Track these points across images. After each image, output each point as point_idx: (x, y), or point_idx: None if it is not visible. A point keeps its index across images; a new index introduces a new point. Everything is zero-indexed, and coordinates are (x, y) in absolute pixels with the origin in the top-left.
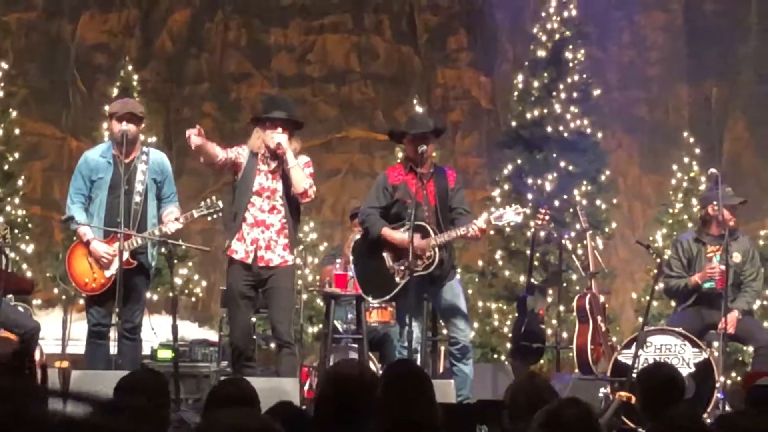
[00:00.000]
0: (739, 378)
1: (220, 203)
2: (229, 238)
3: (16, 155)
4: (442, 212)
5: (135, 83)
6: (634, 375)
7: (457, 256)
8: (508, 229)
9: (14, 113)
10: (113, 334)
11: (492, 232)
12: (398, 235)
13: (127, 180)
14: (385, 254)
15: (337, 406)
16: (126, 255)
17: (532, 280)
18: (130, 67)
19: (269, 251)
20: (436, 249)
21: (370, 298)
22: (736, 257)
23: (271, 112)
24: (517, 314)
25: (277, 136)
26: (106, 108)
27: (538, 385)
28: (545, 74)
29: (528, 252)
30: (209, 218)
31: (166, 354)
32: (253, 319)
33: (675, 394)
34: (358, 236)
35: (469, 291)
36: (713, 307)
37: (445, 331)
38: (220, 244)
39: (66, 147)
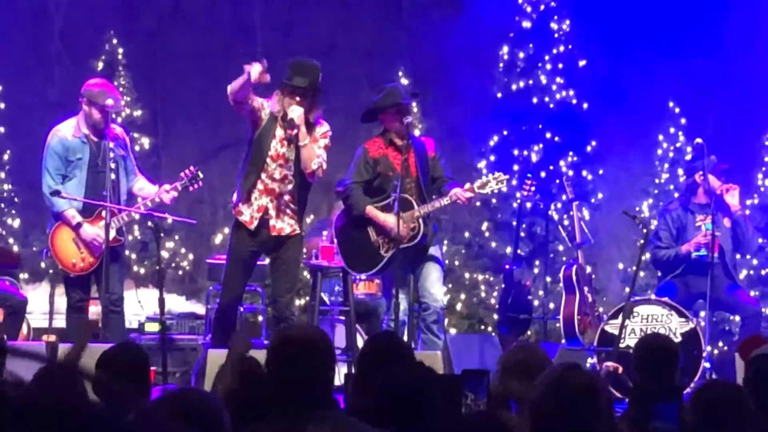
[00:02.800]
0: (726, 348)
1: (200, 173)
2: (238, 198)
3: (2, 129)
4: (425, 182)
5: (120, 57)
6: (621, 345)
7: (442, 228)
8: (494, 201)
9: None
10: (93, 308)
11: (478, 203)
12: (382, 216)
13: (102, 158)
14: (369, 228)
15: (282, 367)
16: (113, 233)
17: (519, 251)
18: (114, 41)
19: (280, 220)
20: (420, 220)
21: (355, 273)
22: (726, 223)
23: (292, 78)
24: (503, 285)
25: (294, 110)
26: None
27: (537, 353)
28: (530, 45)
29: (514, 223)
30: (191, 188)
31: (153, 327)
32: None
33: (671, 365)
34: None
35: (456, 263)
36: (700, 275)
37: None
38: (206, 218)
39: (52, 121)
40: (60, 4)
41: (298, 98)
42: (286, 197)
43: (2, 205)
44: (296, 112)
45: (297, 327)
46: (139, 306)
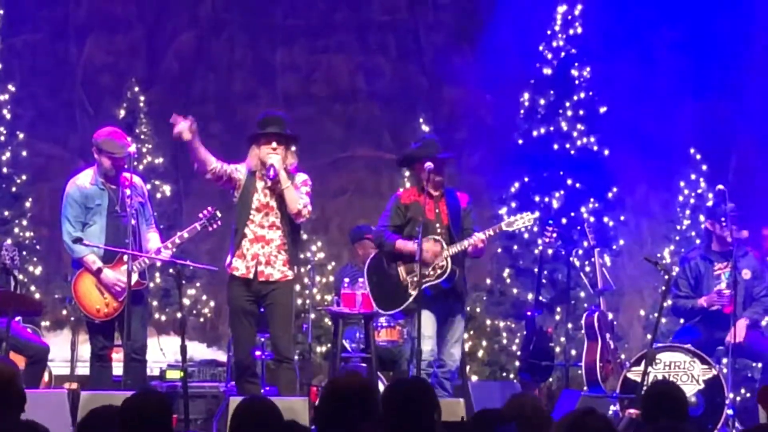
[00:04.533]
0: (748, 395)
1: (218, 212)
2: (231, 255)
3: (24, 177)
4: (455, 231)
5: (141, 104)
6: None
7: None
8: (515, 247)
9: (21, 135)
10: (115, 355)
11: (499, 250)
12: (411, 245)
13: (121, 204)
14: (399, 268)
15: (336, 413)
16: (136, 277)
17: (540, 297)
18: (136, 88)
19: (269, 266)
20: (448, 260)
21: (383, 311)
22: (746, 274)
23: (264, 128)
24: (525, 332)
25: (271, 158)
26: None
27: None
28: (551, 92)
29: (536, 270)
30: (210, 228)
31: (174, 374)
32: (262, 339)
33: (676, 411)
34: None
35: (477, 309)
36: (721, 325)
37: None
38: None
39: (73, 169)
40: (81, 52)
41: (274, 145)
42: (276, 244)
43: (24, 253)
44: (274, 158)
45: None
46: (161, 353)
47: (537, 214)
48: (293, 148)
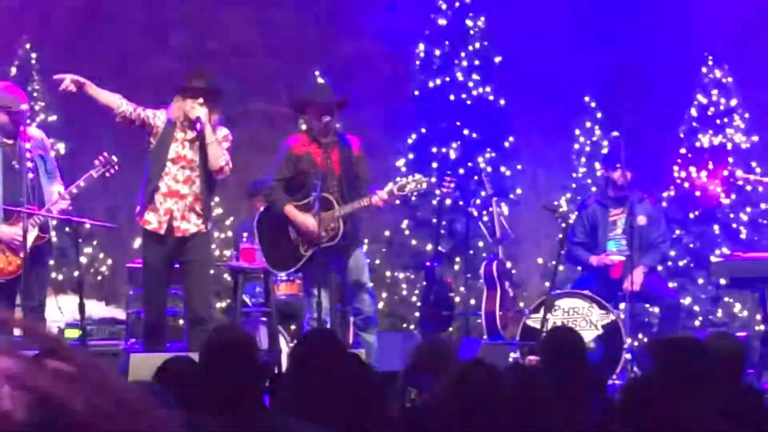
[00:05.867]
0: (646, 339)
1: (115, 158)
2: (140, 206)
3: None
4: (348, 181)
5: (33, 62)
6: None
7: (363, 227)
8: (413, 198)
9: None
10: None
11: (398, 202)
12: (300, 217)
13: (18, 159)
14: (289, 227)
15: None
16: (35, 232)
17: (439, 248)
18: (27, 46)
19: (184, 221)
20: (340, 220)
21: (275, 271)
22: (641, 220)
23: (193, 81)
24: (425, 283)
25: (197, 110)
26: None
27: (442, 347)
28: (446, 42)
29: (434, 220)
30: (107, 174)
31: (73, 333)
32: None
33: (575, 357)
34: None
35: (377, 261)
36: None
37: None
38: (125, 221)
39: None
40: None
41: (200, 100)
42: (191, 198)
43: None
44: (201, 111)
45: (226, 329)
46: (59, 312)
47: (433, 179)
48: (218, 104)
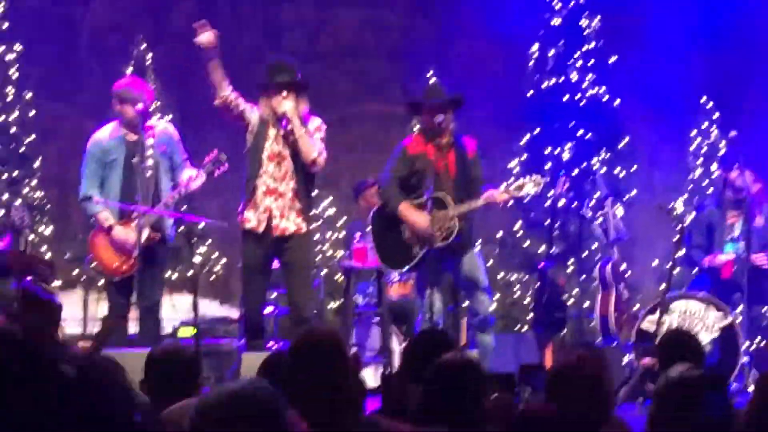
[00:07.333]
0: (764, 342)
1: (224, 156)
2: (242, 205)
3: (32, 137)
4: (463, 182)
5: (149, 62)
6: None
7: (475, 228)
8: (526, 200)
9: (29, 95)
10: (132, 314)
11: (511, 203)
12: (412, 217)
13: (140, 156)
14: (403, 226)
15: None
16: (147, 231)
17: (553, 250)
18: (143, 46)
19: (284, 219)
20: (455, 220)
21: (388, 267)
22: (758, 221)
23: (274, 77)
24: (538, 284)
25: (284, 104)
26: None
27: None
28: (561, 42)
29: (548, 222)
30: (216, 173)
31: (187, 332)
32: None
33: (692, 359)
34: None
35: (490, 262)
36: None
37: (467, 303)
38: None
39: (81, 128)
40: (87, 10)
41: (284, 94)
42: (290, 195)
43: (34, 213)
44: (287, 105)
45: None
46: (173, 310)
47: (548, 178)
48: (304, 95)
